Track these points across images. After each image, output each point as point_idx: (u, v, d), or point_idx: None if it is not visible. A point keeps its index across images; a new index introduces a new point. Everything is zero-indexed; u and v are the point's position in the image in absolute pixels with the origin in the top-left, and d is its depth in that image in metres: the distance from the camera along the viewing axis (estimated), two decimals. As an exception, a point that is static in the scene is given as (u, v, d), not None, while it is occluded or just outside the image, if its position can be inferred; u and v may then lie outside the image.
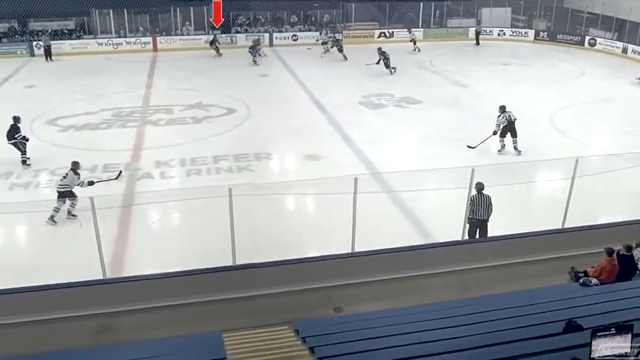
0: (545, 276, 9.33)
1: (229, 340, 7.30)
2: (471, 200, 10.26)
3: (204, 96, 22.08)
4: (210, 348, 6.89)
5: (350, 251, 9.55)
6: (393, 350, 6.06)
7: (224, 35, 32.19)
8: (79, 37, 32.19)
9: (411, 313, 7.93)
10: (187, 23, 33.67)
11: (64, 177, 12.46)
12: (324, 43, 30.42)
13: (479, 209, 10.35)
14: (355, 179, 9.17)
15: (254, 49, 28.71)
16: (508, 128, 15.51)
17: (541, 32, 34.89)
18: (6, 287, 8.66)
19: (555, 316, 6.52)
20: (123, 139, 17.53)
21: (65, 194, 12.34)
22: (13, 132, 14.80)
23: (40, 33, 31.64)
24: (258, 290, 9.00)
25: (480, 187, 10.31)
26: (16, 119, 15.07)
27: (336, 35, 32.57)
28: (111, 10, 32.53)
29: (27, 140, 15.10)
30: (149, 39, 32.33)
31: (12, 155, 14.93)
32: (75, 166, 12.63)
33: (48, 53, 29.54)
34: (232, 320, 8.41)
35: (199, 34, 33.35)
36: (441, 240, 10.47)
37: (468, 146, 15.71)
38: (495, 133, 15.57)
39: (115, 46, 31.76)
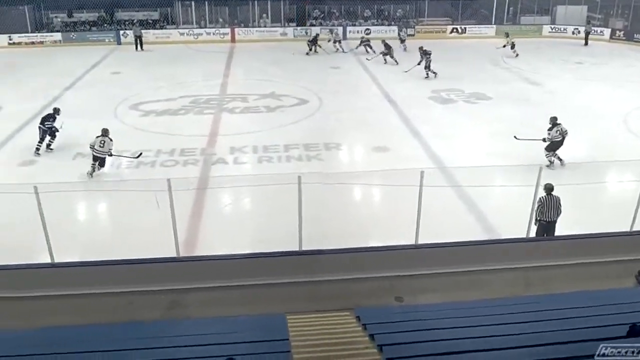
0: (610, 278, 9.04)
1: (292, 322, 7.39)
2: (540, 201, 10.03)
3: (278, 86, 22.55)
4: (274, 329, 7.01)
5: (413, 243, 9.57)
6: (452, 342, 6.04)
7: (298, 28, 32.65)
8: (162, 27, 33.52)
9: (472, 307, 7.84)
10: (264, 15, 34.45)
11: (102, 145, 13.51)
12: (402, 41, 29.95)
13: (549, 211, 10.09)
14: (422, 172, 9.18)
15: (367, 43, 29.06)
16: (557, 144, 14.31)
17: (617, 31, 33.39)
18: (91, 260, 9.23)
19: (619, 319, 6.34)
20: (200, 125, 18.21)
21: (102, 161, 13.62)
22: (45, 120, 15.30)
23: (127, 22, 33.15)
24: (322, 276, 9.06)
25: (549, 187, 10.09)
26: (56, 110, 15.59)
27: (406, 30, 32.25)
28: (193, 2, 33.76)
29: (57, 131, 15.38)
30: (228, 30, 33.26)
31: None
32: (106, 132, 13.74)
33: (140, 42, 30.58)
34: (296, 303, 8.52)
35: (275, 27, 34.06)
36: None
37: (515, 137, 14.93)
38: (544, 140, 14.40)
39: (195, 36, 32.85)
